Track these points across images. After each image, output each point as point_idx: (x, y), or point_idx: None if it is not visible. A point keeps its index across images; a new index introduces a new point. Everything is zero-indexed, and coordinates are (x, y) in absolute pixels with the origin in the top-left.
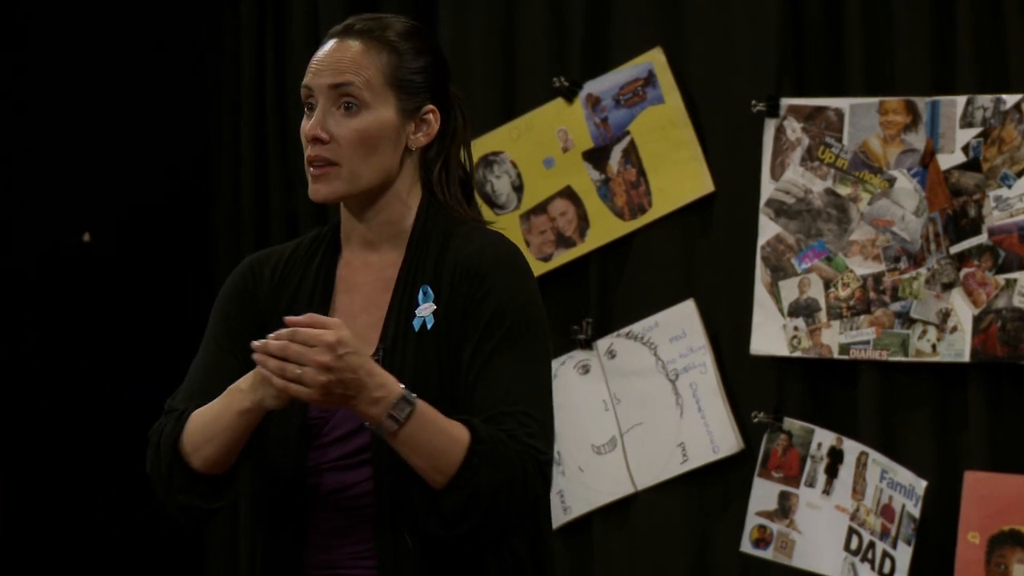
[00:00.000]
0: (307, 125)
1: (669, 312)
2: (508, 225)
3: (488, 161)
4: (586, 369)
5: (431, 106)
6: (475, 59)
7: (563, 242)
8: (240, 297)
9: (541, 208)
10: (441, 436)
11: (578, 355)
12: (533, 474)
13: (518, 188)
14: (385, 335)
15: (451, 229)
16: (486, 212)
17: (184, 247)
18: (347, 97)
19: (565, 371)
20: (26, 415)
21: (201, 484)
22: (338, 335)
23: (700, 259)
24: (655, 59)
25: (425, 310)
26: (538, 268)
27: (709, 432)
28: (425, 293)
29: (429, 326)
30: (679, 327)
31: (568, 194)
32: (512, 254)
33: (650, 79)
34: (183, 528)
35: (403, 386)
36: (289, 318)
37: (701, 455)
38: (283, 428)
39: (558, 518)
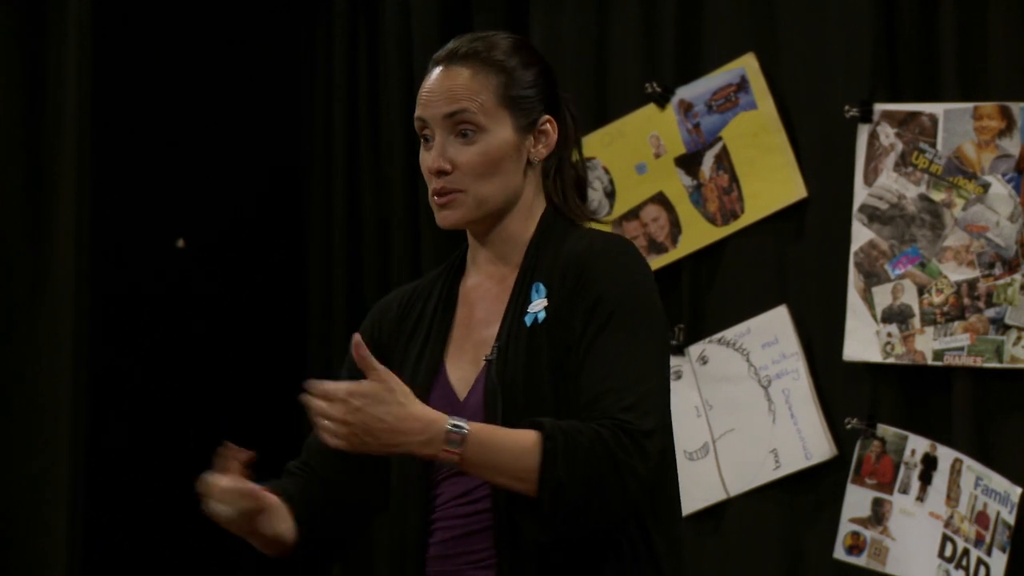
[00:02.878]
0: (427, 157)
1: (761, 318)
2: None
3: None
4: (678, 375)
5: (547, 116)
6: (567, 66)
7: (655, 248)
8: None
9: (633, 214)
10: (508, 450)
11: (670, 361)
12: (624, 451)
13: (610, 194)
14: (500, 335)
15: (567, 234)
16: None
17: (277, 253)
18: (463, 124)
19: None
20: (120, 418)
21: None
22: (348, 387)
23: (793, 265)
24: (747, 65)
25: (537, 306)
26: None
27: (802, 438)
28: (537, 290)
29: (540, 320)
30: (771, 333)
31: (660, 200)
32: (621, 246)
33: (742, 85)
34: None
35: (450, 420)
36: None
37: (794, 461)
38: None
39: None
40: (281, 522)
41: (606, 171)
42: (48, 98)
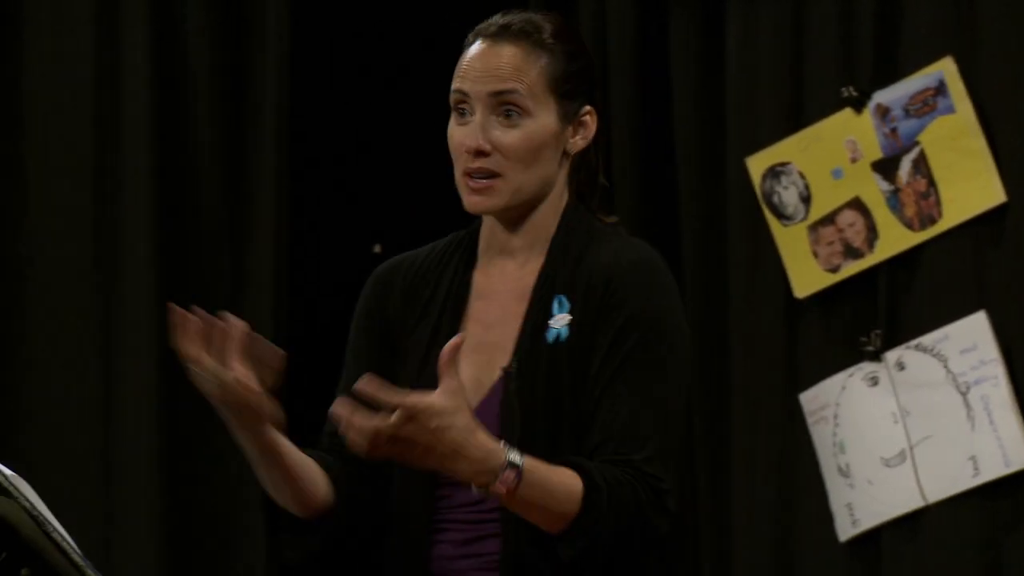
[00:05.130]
0: (461, 132)
1: (959, 324)
2: (795, 236)
3: (775, 172)
4: (875, 381)
5: (589, 107)
6: (763, 70)
7: (851, 253)
8: (368, 313)
9: (829, 219)
10: (553, 494)
11: (866, 367)
12: (652, 510)
13: (806, 199)
14: (519, 348)
15: (592, 236)
16: (773, 224)
17: None
18: (509, 105)
19: (853, 383)
20: (319, 429)
21: (295, 528)
22: (426, 403)
23: (991, 270)
24: (946, 68)
25: (559, 321)
26: (826, 279)
27: (1001, 445)
28: (560, 304)
29: (563, 338)
30: (970, 339)
31: (857, 205)
32: (650, 260)
33: (941, 89)
34: None
35: (508, 450)
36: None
37: (993, 469)
38: None
39: (846, 531)
40: (316, 477)
41: (802, 176)
42: (247, 102)
